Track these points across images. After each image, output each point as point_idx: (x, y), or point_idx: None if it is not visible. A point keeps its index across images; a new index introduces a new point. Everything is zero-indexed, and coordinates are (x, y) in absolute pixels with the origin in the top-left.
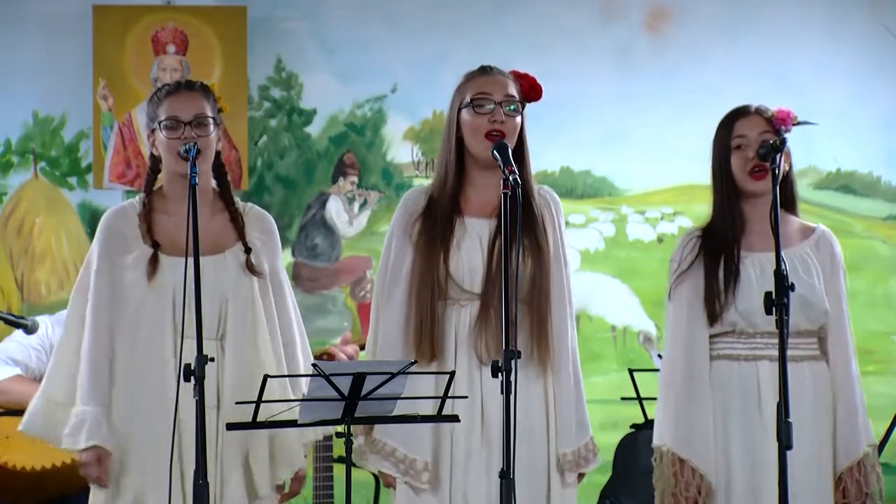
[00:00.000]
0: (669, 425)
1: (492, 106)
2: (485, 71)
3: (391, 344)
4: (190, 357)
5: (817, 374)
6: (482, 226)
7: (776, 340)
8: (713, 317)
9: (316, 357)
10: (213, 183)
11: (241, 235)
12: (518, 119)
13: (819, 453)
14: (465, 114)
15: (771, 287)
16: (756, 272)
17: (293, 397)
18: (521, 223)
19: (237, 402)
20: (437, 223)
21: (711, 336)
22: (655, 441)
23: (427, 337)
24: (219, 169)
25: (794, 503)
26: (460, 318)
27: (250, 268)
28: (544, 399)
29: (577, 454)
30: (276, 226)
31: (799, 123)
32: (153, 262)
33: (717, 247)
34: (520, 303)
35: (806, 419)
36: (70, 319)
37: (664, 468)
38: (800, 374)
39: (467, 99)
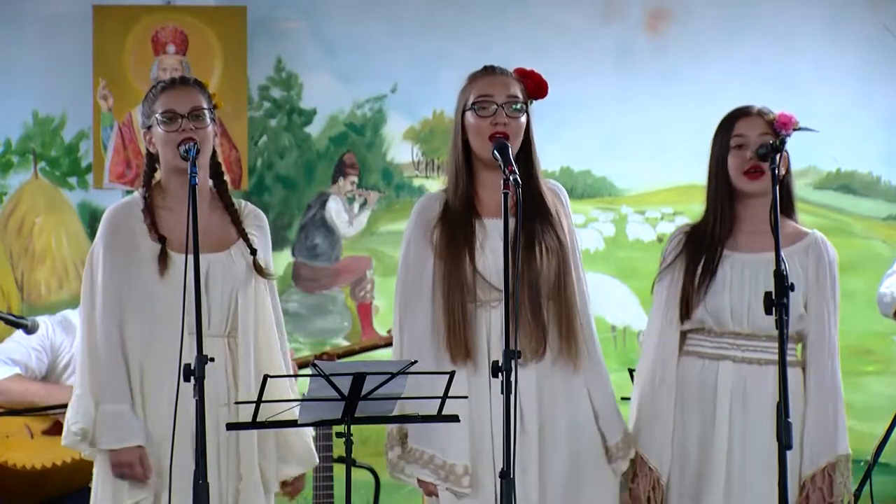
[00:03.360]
0: (634, 421)
1: (494, 108)
2: (487, 71)
3: (419, 349)
4: (190, 356)
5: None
6: (501, 226)
7: (741, 342)
8: (685, 313)
9: (316, 357)
10: (210, 182)
11: (244, 235)
12: (523, 119)
13: (771, 459)
14: (468, 116)
15: (747, 288)
16: (733, 272)
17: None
18: (533, 221)
19: (236, 403)
20: (457, 226)
21: (687, 332)
22: None
23: (461, 339)
24: (216, 168)
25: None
26: (491, 320)
27: (259, 270)
28: (585, 393)
29: (625, 442)
30: (267, 223)
31: (799, 129)
32: (164, 258)
33: (701, 245)
34: (548, 300)
35: (763, 423)
36: (83, 319)
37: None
38: (763, 377)
39: (470, 101)
